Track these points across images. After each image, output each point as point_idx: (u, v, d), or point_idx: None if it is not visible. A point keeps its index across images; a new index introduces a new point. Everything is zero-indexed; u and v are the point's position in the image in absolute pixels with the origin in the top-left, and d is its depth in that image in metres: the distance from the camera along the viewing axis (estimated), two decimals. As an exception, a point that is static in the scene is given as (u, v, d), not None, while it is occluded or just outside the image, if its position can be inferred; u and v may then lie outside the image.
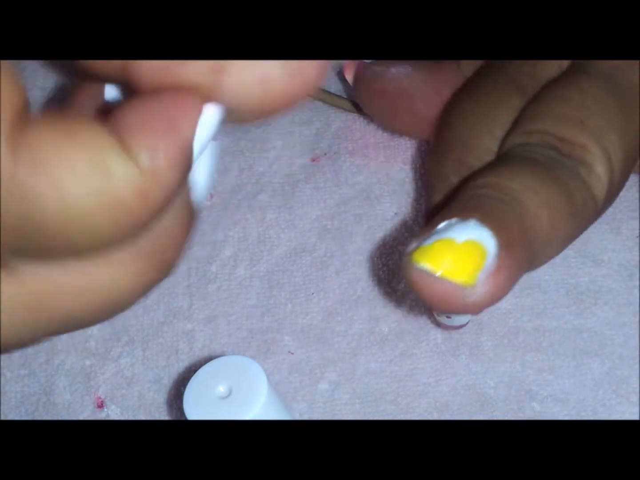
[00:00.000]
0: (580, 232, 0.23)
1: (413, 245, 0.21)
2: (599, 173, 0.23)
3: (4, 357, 0.31)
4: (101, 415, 0.30)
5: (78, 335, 0.32)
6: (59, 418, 0.30)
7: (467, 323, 0.29)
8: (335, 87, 0.36)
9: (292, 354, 0.31)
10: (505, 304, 0.30)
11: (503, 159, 0.24)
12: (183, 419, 0.23)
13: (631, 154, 0.24)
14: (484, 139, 0.26)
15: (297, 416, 0.29)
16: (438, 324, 0.30)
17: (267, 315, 0.31)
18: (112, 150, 0.14)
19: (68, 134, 0.15)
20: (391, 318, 0.31)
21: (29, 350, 0.32)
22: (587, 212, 0.23)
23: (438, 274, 0.19)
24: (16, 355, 0.32)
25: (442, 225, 0.20)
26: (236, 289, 0.32)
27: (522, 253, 0.21)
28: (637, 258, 0.30)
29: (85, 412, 0.30)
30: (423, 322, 0.30)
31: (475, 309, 0.20)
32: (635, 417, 0.28)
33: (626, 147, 0.24)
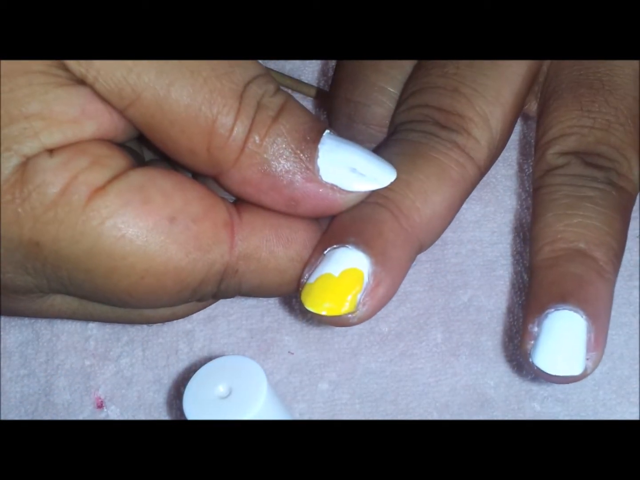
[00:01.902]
0: (465, 197, 0.24)
1: (304, 276, 0.22)
2: (476, 136, 0.24)
3: (4, 357, 0.31)
4: (101, 416, 0.30)
5: (78, 335, 0.32)
6: (59, 418, 0.30)
7: None
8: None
9: (292, 353, 0.30)
10: (505, 304, 0.30)
11: (380, 148, 0.25)
12: (183, 419, 0.23)
13: (510, 107, 0.25)
14: (370, 76, 0.27)
15: (297, 416, 0.29)
16: None
17: (267, 315, 0.31)
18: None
19: (276, 232, 0.22)
20: (391, 318, 0.31)
21: (29, 350, 0.32)
22: (466, 176, 0.24)
23: (322, 314, 0.22)
24: (16, 356, 0.32)
25: (326, 252, 0.22)
26: (236, 289, 0.32)
27: (397, 256, 0.22)
28: (637, 258, 0.30)
29: (85, 412, 0.30)
30: (423, 322, 0.30)
31: (361, 322, 0.22)
32: (635, 417, 0.28)
33: (504, 101, 0.24)
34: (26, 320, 0.32)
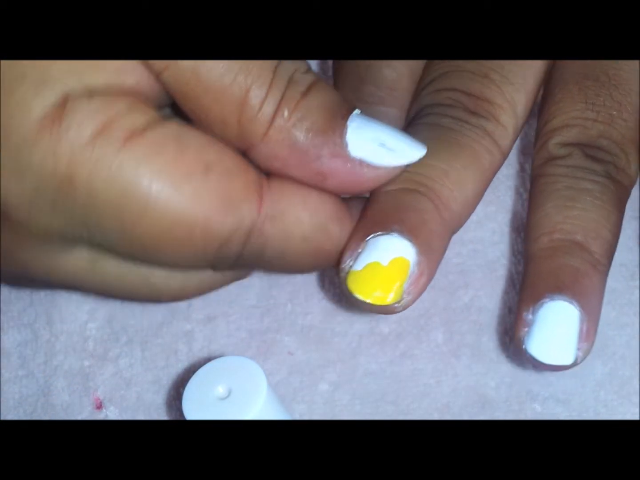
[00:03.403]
0: (489, 184, 0.25)
1: (346, 262, 0.23)
2: (504, 122, 0.24)
3: (2, 357, 0.31)
4: (100, 416, 0.30)
5: (76, 336, 0.32)
6: (58, 419, 0.30)
7: None
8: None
9: (292, 354, 0.30)
10: (507, 304, 0.30)
11: (411, 133, 0.24)
12: (182, 419, 0.23)
13: (533, 94, 0.26)
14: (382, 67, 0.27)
15: (297, 417, 0.29)
16: None
17: (266, 316, 0.31)
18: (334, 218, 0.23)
19: (304, 199, 0.22)
20: (391, 318, 0.31)
21: (27, 351, 0.31)
22: (494, 164, 0.24)
23: (369, 301, 0.22)
24: (14, 356, 0.31)
25: (369, 239, 0.22)
26: (235, 289, 0.32)
27: (439, 245, 0.23)
28: (638, 258, 0.30)
29: (84, 413, 0.30)
30: (424, 322, 0.30)
31: (403, 310, 0.23)
32: (636, 418, 0.28)
33: (529, 89, 0.25)
34: (25, 321, 0.32)
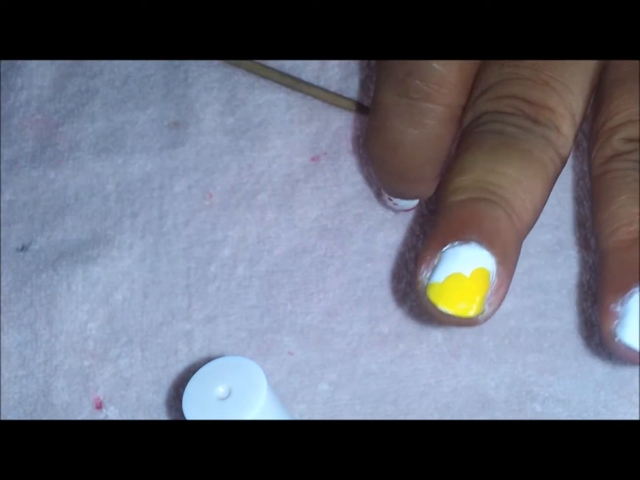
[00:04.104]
0: (549, 194, 0.25)
1: (423, 273, 0.22)
2: (565, 132, 0.24)
3: (2, 357, 0.31)
4: (100, 416, 0.30)
5: (76, 335, 0.32)
6: (58, 419, 0.30)
7: (414, 207, 0.32)
8: (335, 86, 0.36)
9: (292, 354, 0.30)
10: (506, 304, 0.30)
11: (476, 140, 0.24)
12: (182, 419, 0.23)
13: (589, 102, 0.26)
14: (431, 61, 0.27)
15: (297, 417, 0.29)
16: (387, 206, 0.32)
17: (266, 316, 0.31)
18: None
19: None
20: (391, 318, 0.31)
21: (27, 351, 0.31)
22: (556, 174, 0.24)
23: (453, 313, 0.22)
24: (14, 356, 0.31)
25: (446, 249, 0.22)
26: (235, 289, 0.32)
27: (514, 254, 0.23)
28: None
29: (84, 413, 0.30)
30: (423, 322, 0.30)
31: (483, 323, 0.23)
32: (636, 418, 0.28)
33: (586, 97, 0.25)
34: (24, 321, 0.32)
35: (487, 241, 0.22)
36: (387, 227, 0.33)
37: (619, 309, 0.22)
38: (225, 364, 0.24)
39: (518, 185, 0.23)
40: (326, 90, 0.36)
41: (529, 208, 0.23)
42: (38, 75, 0.38)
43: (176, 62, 0.38)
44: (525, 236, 0.23)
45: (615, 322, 0.23)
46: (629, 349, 0.22)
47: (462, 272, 0.22)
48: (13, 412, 0.31)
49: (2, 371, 0.31)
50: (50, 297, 0.32)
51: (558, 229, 0.31)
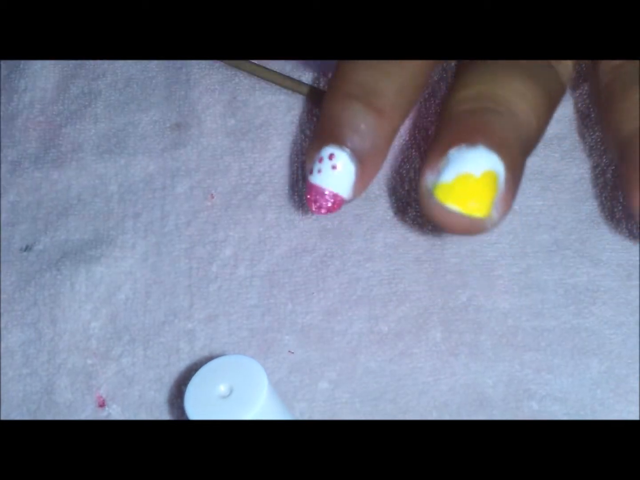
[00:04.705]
0: (553, 115, 0.25)
1: (429, 177, 0.22)
2: (565, 63, 0.25)
3: (6, 356, 0.32)
4: (102, 415, 0.30)
5: (79, 334, 0.32)
6: (61, 417, 0.30)
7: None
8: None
9: (292, 353, 0.31)
10: (504, 303, 0.30)
11: (477, 62, 0.24)
12: (184, 418, 0.23)
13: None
14: None
15: (297, 415, 0.29)
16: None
17: (267, 315, 0.32)
18: None
19: None
20: (391, 317, 0.31)
21: (31, 350, 0.32)
22: (558, 100, 0.24)
23: (463, 211, 0.21)
24: (18, 355, 0.32)
25: (452, 152, 0.22)
26: (237, 288, 0.32)
27: (521, 167, 0.22)
28: (636, 258, 0.31)
29: (87, 412, 0.31)
30: (422, 321, 0.31)
31: (490, 230, 0.22)
32: (633, 417, 0.28)
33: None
34: (28, 320, 0.32)
35: (496, 146, 0.21)
36: (387, 227, 0.33)
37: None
38: (227, 362, 0.24)
39: (523, 98, 0.23)
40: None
41: (533, 123, 0.23)
42: (41, 77, 0.38)
43: (178, 64, 0.38)
44: (529, 152, 0.23)
45: None
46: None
47: (472, 172, 0.21)
48: (17, 410, 0.31)
49: (6, 370, 0.31)
50: (54, 296, 0.32)
51: (555, 229, 0.32)
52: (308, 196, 0.25)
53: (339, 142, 0.23)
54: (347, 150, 0.23)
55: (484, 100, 0.23)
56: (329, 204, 0.24)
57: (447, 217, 0.21)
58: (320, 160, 0.24)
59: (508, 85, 0.23)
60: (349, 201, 0.24)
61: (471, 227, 0.22)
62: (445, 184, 0.21)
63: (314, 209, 0.25)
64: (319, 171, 0.24)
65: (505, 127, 0.22)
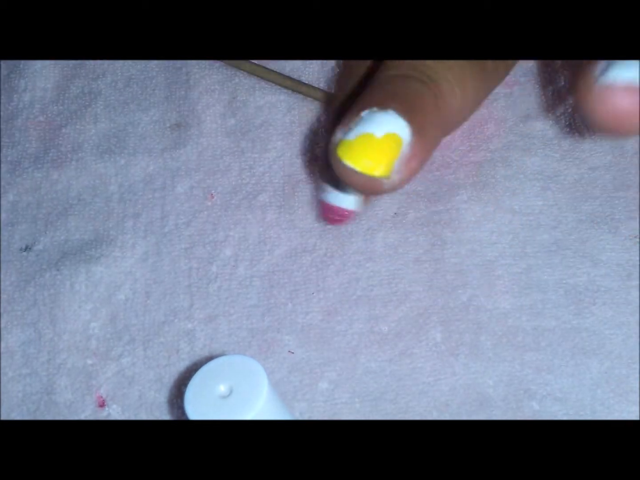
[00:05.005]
0: (491, 92, 0.26)
1: (338, 134, 0.23)
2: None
3: (6, 356, 0.32)
4: (102, 415, 0.30)
5: (79, 334, 0.32)
6: (60, 417, 0.30)
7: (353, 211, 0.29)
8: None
9: (293, 353, 0.31)
10: (504, 303, 0.30)
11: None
12: (184, 418, 0.23)
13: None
14: None
15: (297, 415, 0.29)
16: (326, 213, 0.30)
17: (267, 315, 0.32)
18: None
19: None
20: (391, 318, 0.31)
21: (31, 350, 0.32)
22: (499, 74, 0.25)
23: (359, 170, 0.22)
24: (18, 355, 0.32)
25: (364, 113, 0.22)
26: (237, 288, 0.32)
27: (433, 135, 0.23)
28: (636, 258, 0.31)
29: (87, 412, 0.31)
30: (422, 321, 0.31)
31: (392, 191, 0.23)
32: (633, 417, 0.28)
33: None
34: (28, 320, 0.32)
35: (406, 112, 0.22)
36: (387, 227, 0.33)
37: None
38: (227, 362, 0.24)
39: (449, 70, 0.23)
40: (326, 92, 0.36)
41: (457, 95, 0.23)
42: (41, 77, 0.38)
43: (178, 64, 0.38)
44: (450, 124, 0.24)
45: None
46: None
47: (374, 133, 0.22)
48: (16, 410, 0.31)
49: (5, 369, 0.31)
50: (54, 296, 0.32)
51: (555, 229, 0.32)
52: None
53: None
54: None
55: (408, 68, 0.24)
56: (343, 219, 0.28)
57: (346, 173, 0.22)
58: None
59: (439, 61, 0.24)
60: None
61: (368, 186, 0.22)
62: (347, 141, 0.22)
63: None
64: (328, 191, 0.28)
65: (422, 94, 0.23)
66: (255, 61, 0.37)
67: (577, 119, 0.34)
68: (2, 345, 0.32)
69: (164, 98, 0.37)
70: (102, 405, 0.31)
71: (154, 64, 0.38)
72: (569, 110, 0.34)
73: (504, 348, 0.30)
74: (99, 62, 0.39)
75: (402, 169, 0.22)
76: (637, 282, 0.30)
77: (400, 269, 0.32)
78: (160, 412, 0.30)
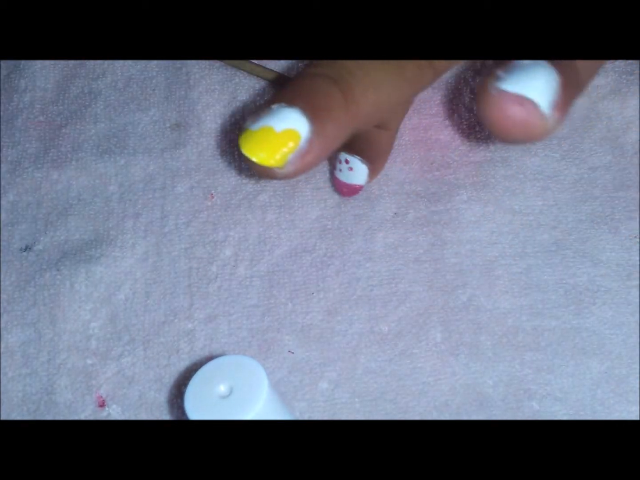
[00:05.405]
0: (415, 95, 0.27)
1: (247, 123, 0.24)
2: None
3: (6, 356, 0.32)
4: (102, 415, 0.30)
5: (79, 334, 0.32)
6: (61, 417, 0.30)
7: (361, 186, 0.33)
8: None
9: (293, 353, 0.31)
10: (504, 303, 0.30)
11: None
12: (184, 418, 0.23)
13: None
14: None
15: (297, 415, 0.29)
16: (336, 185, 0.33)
17: (267, 315, 0.32)
18: None
19: None
20: (391, 318, 0.31)
21: (31, 350, 0.32)
22: (422, 78, 0.26)
23: (254, 160, 0.23)
24: (18, 355, 0.32)
25: (274, 106, 0.24)
26: (237, 288, 0.32)
27: (334, 134, 0.24)
28: (636, 258, 0.31)
29: (87, 412, 0.31)
30: (422, 321, 0.31)
31: (288, 178, 0.24)
32: (633, 417, 0.28)
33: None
34: (28, 320, 0.32)
35: (309, 110, 0.23)
36: (387, 227, 0.33)
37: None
38: (227, 362, 0.24)
39: (363, 71, 0.24)
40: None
41: (369, 96, 0.24)
42: (41, 78, 0.38)
43: (178, 64, 0.38)
44: (359, 123, 0.24)
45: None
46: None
47: (273, 127, 0.23)
48: (16, 410, 0.31)
49: (6, 369, 0.31)
50: (54, 296, 0.32)
51: (555, 229, 0.32)
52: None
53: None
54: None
55: (326, 68, 0.24)
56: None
57: (245, 159, 0.24)
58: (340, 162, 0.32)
59: (355, 62, 0.24)
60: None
61: (263, 172, 0.24)
62: (249, 132, 0.24)
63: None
64: (340, 170, 0.33)
65: (331, 95, 0.24)
66: (255, 61, 0.37)
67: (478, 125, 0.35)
68: (2, 345, 0.32)
69: (164, 98, 0.37)
70: (102, 405, 0.31)
71: (154, 64, 0.38)
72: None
73: (504, 348, 0.30)
74: (99, 62, 0.39)
75: (297, 162, 0.24)
76: (637, 282, 0.30)
77: (400, 269, 0.32)
78: (160, 412, 0.30)
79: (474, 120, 0.35)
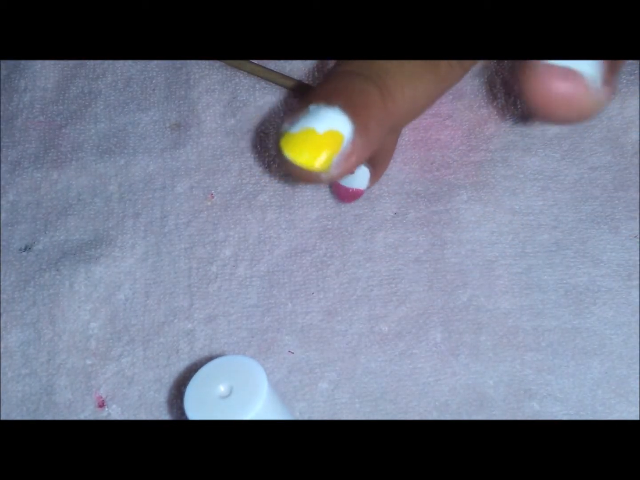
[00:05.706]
0: (445, 92, 0.26)
1: (285, 126, 0.24)
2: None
3: (5, 356, 0.32)
4: (102, 415, 0.30)
5: (79, 334, 0.32)
6: (60, 417, 0.30)
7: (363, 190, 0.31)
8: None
9: (292, 353, 0.31)
10: (504, 304, 0.30)
11: None
12: (184, 418, 0.23)
13: None
14: None
15: (297, 415, 0.29)
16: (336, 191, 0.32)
17: (267, 315, 0.32)
18: None
19: None
20: (391, 318, 0.31)
21: (30, 350, 0.32)
22: (453, 75, 0.25)
23: (298, 163, 0.23)
24: (17, 355, 0.32)
25: (311, 107, 0.23)
26: (237, 288, 0.32)
27: (376, 133, 0.24)
28: (636, 258, 0.31)
29: (86, 412, 0.31)
30: (423, 322, 0.31)
31: (330, 182, 0.24)
32: (634, 417, 0.28)
33: None
34: (27, 320, 0.32)
35: (350, 109, 0.23)
36: (387, 227, 0.33)
37: None
38: (227, 362, 0.24)
39: (399, 69, 0.24)
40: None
41: (406, 94, 0.24)
42: (41, 77, 0.38)
43: (178, 64, 0.38)
44: (397, 121, 0.24)
45: None
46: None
47: (316, 128, 0.23)
48: (16, 411, 0.31)
49: (5, 370, 0.31)
50: (53, 296, 0.32)
51: (555, 229, 0.32)
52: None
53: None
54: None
55: (359, 66, 0.24)
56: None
57: (287, 164, 0.23)
58: None
59: (390, 60, 0.24)
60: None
61: (306, 177, 0.23)
62: (289, 134, 0.23)
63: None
64: None
65: (369, 92, 0.23)
66: (255, 61, 0.37)
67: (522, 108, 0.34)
68: (2, 345, 0.32)
69: (164, 98, 0.37)
70: (101, 405, 0.31)
71: (154, 64, 0.38)
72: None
73: (504, 348, 0.30)
74: (99, 62, 0.39)
75: (341, 164, 0.23)
76: (638, 282, 0.30)
77: (400, 269, 0.32)
78: (160, 413, 0.30)
79: (474, 120, 0.35)
